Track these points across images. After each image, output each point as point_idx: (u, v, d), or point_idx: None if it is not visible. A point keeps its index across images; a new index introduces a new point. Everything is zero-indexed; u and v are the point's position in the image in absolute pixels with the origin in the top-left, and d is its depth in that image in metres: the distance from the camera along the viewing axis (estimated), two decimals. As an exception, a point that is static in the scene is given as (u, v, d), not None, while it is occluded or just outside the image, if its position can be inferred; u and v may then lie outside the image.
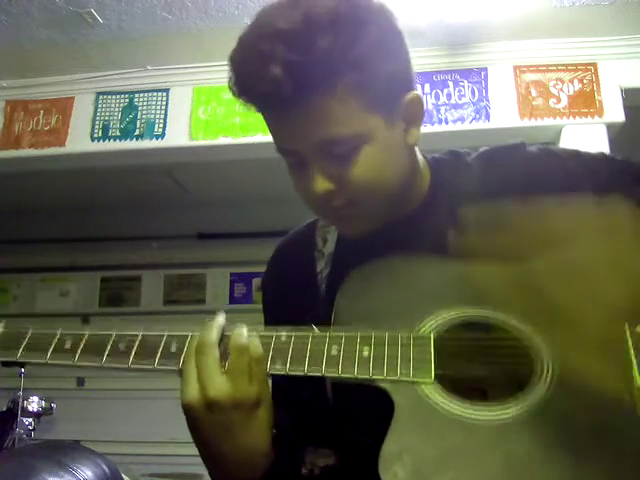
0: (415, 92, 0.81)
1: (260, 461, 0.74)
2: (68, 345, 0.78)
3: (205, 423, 0.71)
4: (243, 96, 0.76)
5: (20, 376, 3.58)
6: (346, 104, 0.74)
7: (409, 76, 0.83)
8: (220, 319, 0.76)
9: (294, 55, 0.69)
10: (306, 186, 0.79)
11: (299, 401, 0.83)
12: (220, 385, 0.70)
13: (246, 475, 0.74)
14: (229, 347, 0.73)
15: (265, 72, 0.69)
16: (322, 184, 0.77)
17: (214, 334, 0.74)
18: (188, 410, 0.71)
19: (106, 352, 0.77)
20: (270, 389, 0.76)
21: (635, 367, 0.67)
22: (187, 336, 0.76)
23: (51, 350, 0.78)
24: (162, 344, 0.76)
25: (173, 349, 0.76)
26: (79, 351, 0.77)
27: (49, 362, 0.78)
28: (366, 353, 0.72)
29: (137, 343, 0.77)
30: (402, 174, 0.82)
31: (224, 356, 0.73)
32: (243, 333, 0.74)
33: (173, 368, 0.75)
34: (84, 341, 0.78)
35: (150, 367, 0.75)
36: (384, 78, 0.76)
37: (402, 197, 0.85)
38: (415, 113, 0.82)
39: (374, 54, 0.74)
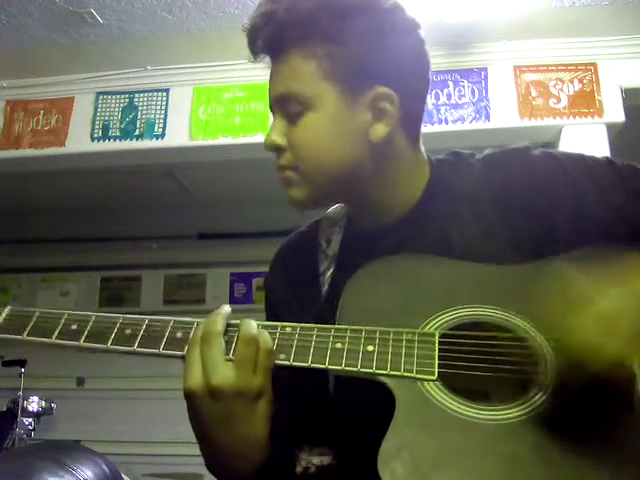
0: (390, 90, 0.82)
1: (256, 454, 0.74)
2: (75, 327, 0.79)
3: (206, 411, 0.72)
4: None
5: (20, 376, 3.59)
6: (308, 65, 0.81)
7: (395, 74, 0.83)
8: (226, 309, 0.77)
9: (275, 5, 0.82)
10: None
11: (302, 395, 0.83)
12: (224, 373, 0.71)
13: (241, 467, 0.74)
14: (238, 337, 0.73)
15: (251, 21, 0.85)
16: (272, 137, 0.84)
17: (220, 323, 0.74)
18: (190, 396, 0.72)
19: (112, 335, 0.77)
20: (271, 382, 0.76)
21: (639, 378, 0.66)
22: (193, 323, 0.77)
23: (57, 331, 0.78)
24: (168, 330, 0.77)
25: (179, 335, 0.76)
26: (86, 333, 0.78)
27: (55, 342, 0.78)
28: (370, 348, 0.72)
29: (143, 328, 0.77)
30: (351, 160, 0.83)
31: (228, 345, 0.73)
32: (253, 324, 0.74)
33: (179, 353, 0.75)
34: (90, 324, 0.79)
35: (155, 351, 0.76)
36: (358, 59, 0.80)
37: (357, 186, 0.86)
38: (382, 109, 0.82)
39: (356, 37, 0.80)
